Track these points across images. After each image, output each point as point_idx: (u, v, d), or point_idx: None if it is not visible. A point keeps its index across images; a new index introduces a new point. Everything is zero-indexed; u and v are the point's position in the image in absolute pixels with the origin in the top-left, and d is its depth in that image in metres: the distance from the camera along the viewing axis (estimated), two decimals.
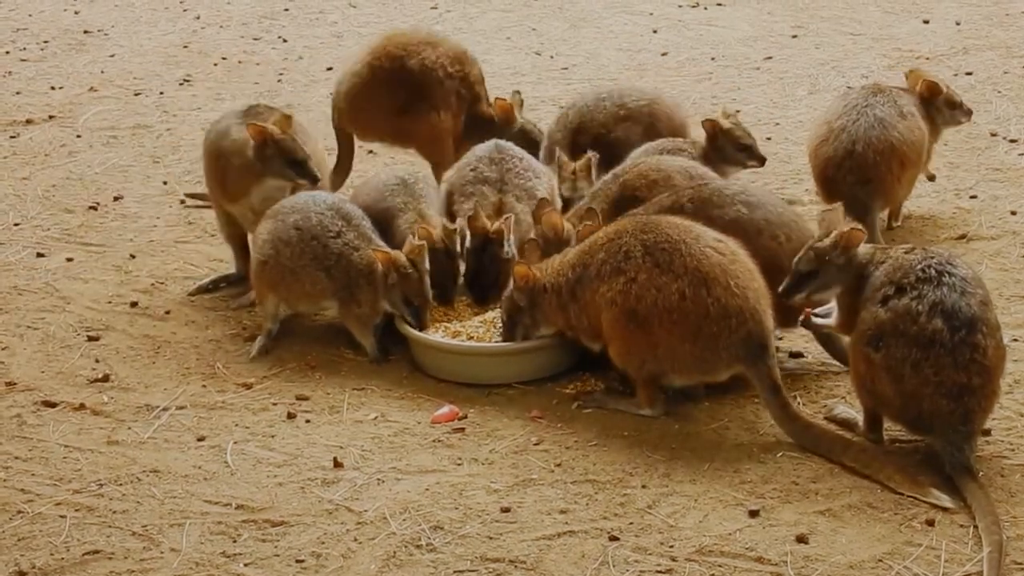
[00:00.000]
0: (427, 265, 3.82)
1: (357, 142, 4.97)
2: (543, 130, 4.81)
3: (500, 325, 3.83)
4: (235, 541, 3.09)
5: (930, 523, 3.06)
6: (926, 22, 6.86)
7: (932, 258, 3.26)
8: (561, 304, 3.61)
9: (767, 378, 3.38)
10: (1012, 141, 5.30)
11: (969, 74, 6.05)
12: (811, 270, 3.39)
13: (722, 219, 3.61)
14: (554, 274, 3.64)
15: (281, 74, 6.51)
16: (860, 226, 3.41)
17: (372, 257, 3.80)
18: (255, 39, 7.09)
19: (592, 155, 4.32)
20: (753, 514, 3.12)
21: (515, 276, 3.68)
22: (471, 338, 3.83)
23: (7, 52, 6.93)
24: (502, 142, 4.31)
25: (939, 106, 4.66)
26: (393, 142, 4.92)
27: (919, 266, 3.25)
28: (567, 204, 4.24)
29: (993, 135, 5.36)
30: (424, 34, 4.92)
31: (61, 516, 3.19)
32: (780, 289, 3.45)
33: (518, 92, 4.97)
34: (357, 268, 3.84)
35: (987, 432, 3.37)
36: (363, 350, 3.91)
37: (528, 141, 4.75)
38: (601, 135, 4.50)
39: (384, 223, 4.06)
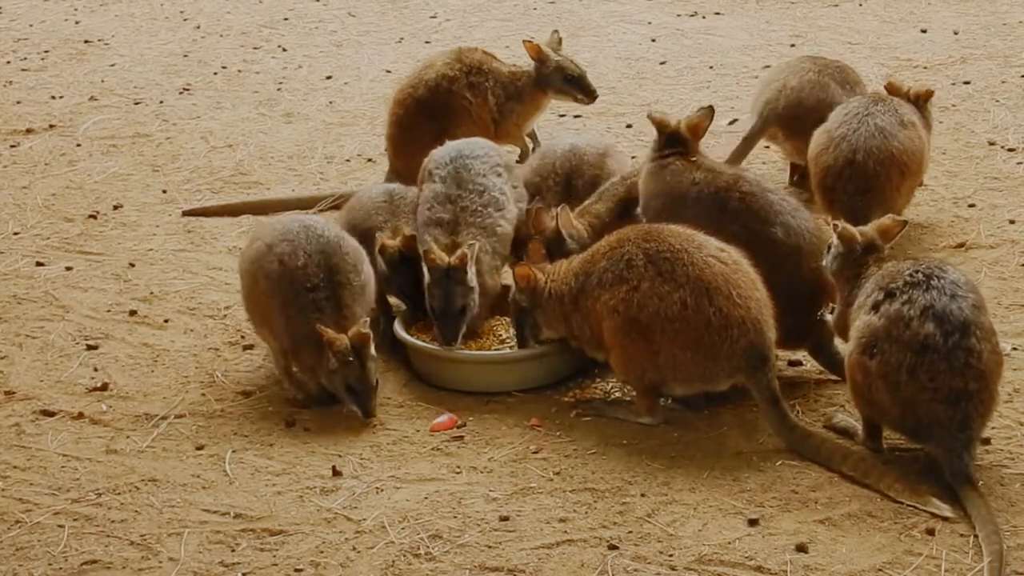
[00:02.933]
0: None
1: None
2: (581, 65, 4.97)
3: (503, 333, 3.84)
4: (233, 550, 3.09)
5: (930, 532, 3.05)
6: (924, 31, 6.87)
7: (921, 264, 3.29)
8: (564, 313, 3.61)
9: (767, 389, 3.39)
10: (1010, 150, 5.31)
11: (967, 83, 6.07)
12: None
13: (758, 236, 3.59)
14: (558, 281, 3.62)
15: (280, 83, 6.52)
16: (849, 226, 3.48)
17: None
18: (255, 48, 7.10)
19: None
20: (753, 523, 3.11)
21: (516, 276, 3.67)
22: (470, 346, 3.83)
23: (8, 62, 6.95)
24: (464, 172, 3.93)
25: (929, 109, 4.68)
26: None
27: (907, 271, 3.27)
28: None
29: (991, 144, 5.37)
30: (420, 65, 5.01)
31: (59, 526, 3.19)
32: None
33: (556, 31, 5.05)
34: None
35: (987, 441, 3.37)
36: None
37: (565, 77, 4.87)
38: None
39: (369, 243, 4.04)
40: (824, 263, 3.53)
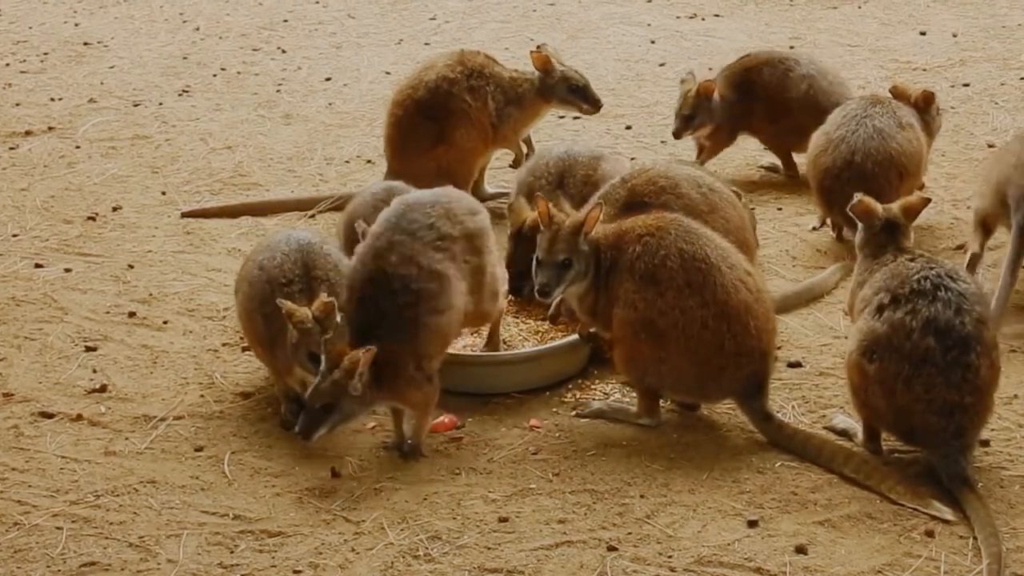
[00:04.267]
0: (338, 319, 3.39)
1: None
2: (584, 75, 4.97)
3: (504, 334, 3.80)
4: (232, 552, 3.08)
5: (929, 534, 3.05)
6: (923, 34, 6.88)
7: (931, 269, 3.25)
8: (592, 280, 3.50)
9: (759, 411, 3.42)
10: None
11: (966, 85, 6.07)
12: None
13: None
14: (605, 240, 3.49)
15: (280, 85, 6.53)
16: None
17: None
18: (254, 50, 7.10)
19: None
20: (752, 524, 3.11)
21: (590, 218, 3.46)
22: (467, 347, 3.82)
23: (7, 64, 6.94)
24: (388, 256, 3.36)
25: (933, 114, 4.69)
26: (460, 168, 4.84)
27: (915, 276, 3.24)
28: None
29: (991, 146, 5.37)
30: (420, 66, 5.00)
31: (58, 528, 3.18)
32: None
33: (546, 44, 5.05)
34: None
35: (986, 443, 3.37)
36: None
37: (570, 87, 4.90)
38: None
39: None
40: (855, 239, 3.52)
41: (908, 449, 3.35)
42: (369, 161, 5.48)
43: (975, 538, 3.01)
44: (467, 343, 3.84)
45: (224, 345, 4.08)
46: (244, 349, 4.03)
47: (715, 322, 3.37)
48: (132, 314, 4.27)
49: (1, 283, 4.52)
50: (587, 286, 3.52)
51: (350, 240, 4.17)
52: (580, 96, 4.95)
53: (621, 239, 3.50)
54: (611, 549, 3.04)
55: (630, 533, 3.09)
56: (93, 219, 5.01)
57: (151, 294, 4.42)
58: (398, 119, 4.91)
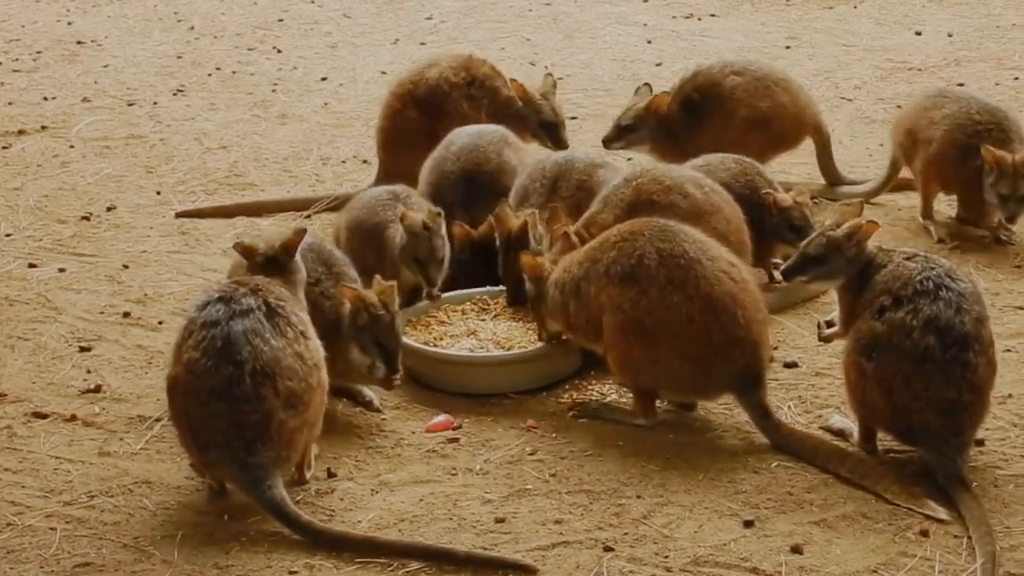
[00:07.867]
0: (396, 306, 3.50)
1: None
2: (560, 113, 4.88)
3: (500, 335, 3.82)
4: (227, 553, 3.07)
5: (924, 534, 3.06)
6: (918, 34, 6.90)
7: (932, 269, 3.25)
8: (563, 301, 3.55)
9: (757, 406, 3.41)
10: None
11: (961, 85, 6.07)
12: (819, 255, 3.38)
13: None
14: (561, 270, 3.59)
15: (275, 84, 6.51)
16: (874, 220, 3.41)
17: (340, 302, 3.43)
18: (249, 49, 7.09)
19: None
20: (748, 524, 3.11)
21: (524, 267, 3.62)
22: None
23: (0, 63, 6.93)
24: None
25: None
26: None
27: (918, 277, 3.24)
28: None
29: None
30: (423, 62, 4.98)
31: (51, 528, 3.17)
32: (782, 269, 3.54)
33: (550, 74, 5.00)
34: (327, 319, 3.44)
35: (980, 443, 3.38)
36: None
37: (542, 123, 4.83)
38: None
39: (376, 237, 4.05)
40: None
41: (903, 449, 3.36)
42: (365, 161, 5.47)
43: (970, 537, 3.02)
44: (467, 343, 3.84)
45: None
46: None
47: (701, 315, 3.35)
48: (127, 314, 4.26)
49: None
50: (558, 309, 3.57)
51: (349, 242, 4.17)
52: (548, 134, 4.83)
53: (596, 251, 3.51)
54: (607, 549, 3.03)
55: (626, 533, 3.09)
56: (87, 219, 4.99)
57: (146, 294, 4.40)
58: (394, 111, 4.90)
